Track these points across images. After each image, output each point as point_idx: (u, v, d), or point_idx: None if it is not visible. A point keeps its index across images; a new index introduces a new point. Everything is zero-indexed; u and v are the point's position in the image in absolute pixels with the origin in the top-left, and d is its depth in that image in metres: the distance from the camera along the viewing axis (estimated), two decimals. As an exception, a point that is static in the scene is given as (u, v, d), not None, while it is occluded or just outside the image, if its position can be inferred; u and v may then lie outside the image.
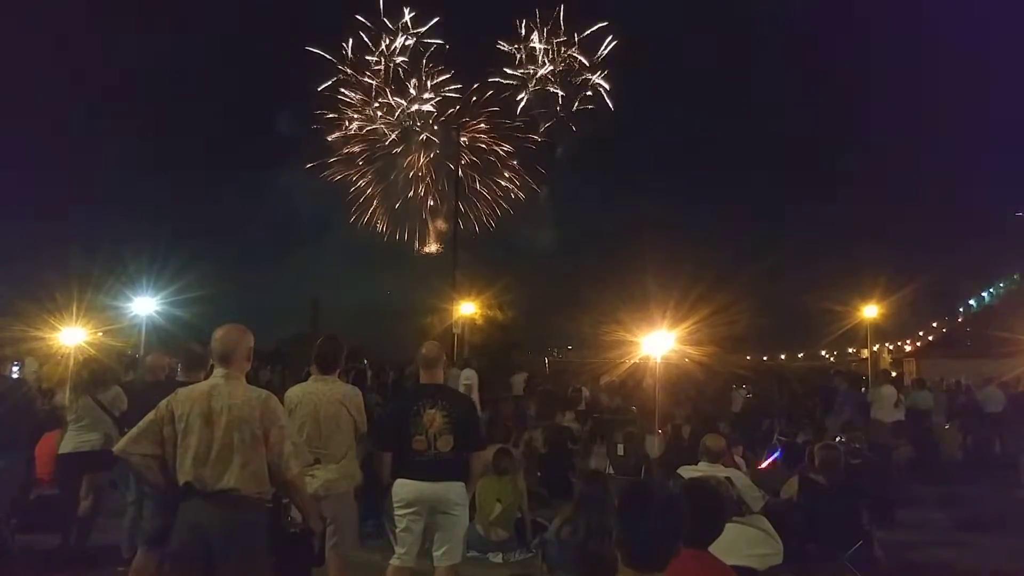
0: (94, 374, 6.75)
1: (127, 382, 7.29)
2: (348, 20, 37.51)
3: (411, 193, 38.44)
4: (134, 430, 3.72)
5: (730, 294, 24.80)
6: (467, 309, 26.68)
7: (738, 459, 7.97)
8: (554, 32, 35.86)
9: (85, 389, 6.55)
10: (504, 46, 35.91)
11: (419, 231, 38.98)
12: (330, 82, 36.04)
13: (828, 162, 56.59)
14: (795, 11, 49.82)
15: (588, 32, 35.72)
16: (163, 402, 3.73)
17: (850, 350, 53.84)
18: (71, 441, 6.46)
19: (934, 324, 66.09)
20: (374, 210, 38.55)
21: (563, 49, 35.80)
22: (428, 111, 36.76)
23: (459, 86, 36.88)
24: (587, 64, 35.33)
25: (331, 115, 36.57)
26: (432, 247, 37.17)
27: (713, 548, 3.09)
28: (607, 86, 35.89)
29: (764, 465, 9.95)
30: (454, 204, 29.81)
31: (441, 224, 36.30)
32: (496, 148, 36.99)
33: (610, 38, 35.69)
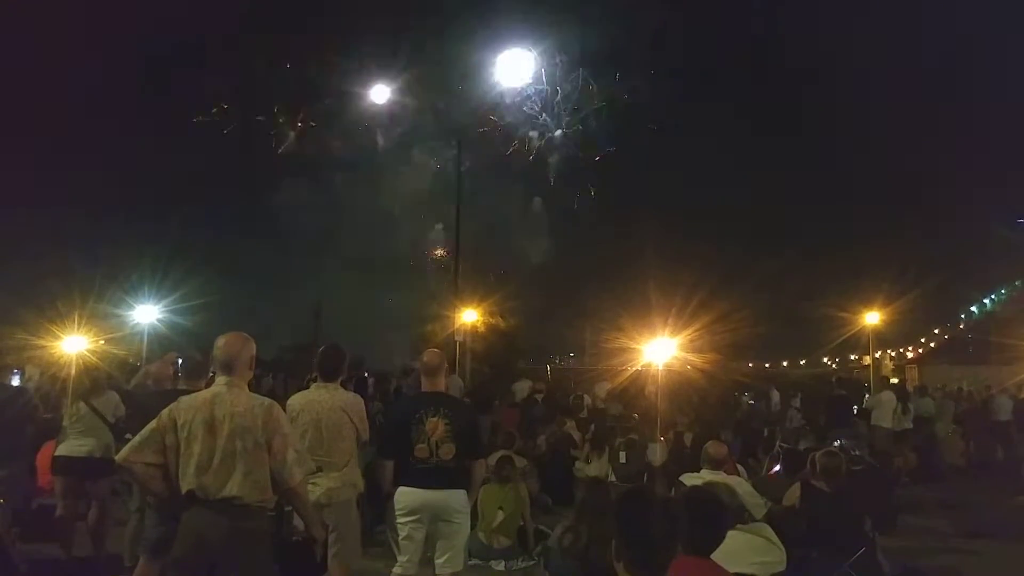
0: (95, 381, 6.78)
1: (127, 390, 7.31)
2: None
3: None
4: (136, 439, 3.71)
5: (732, 301, 24.66)
6: (469, 317, 26.64)
7: (739, 467, 7.96)
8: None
9: (80, 395, 6.58)
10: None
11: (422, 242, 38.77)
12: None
13: (829, 165, 56.56)
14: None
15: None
16: (165, 410, 3.73)
17: (852, 357, 53.69)
18: (65, 446, 6.51)
19: (936, 331, 65.96)
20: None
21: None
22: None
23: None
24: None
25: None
26: (438, 252, 36.85)
27: (716, 556, 3.08)
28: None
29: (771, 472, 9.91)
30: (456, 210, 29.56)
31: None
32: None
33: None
